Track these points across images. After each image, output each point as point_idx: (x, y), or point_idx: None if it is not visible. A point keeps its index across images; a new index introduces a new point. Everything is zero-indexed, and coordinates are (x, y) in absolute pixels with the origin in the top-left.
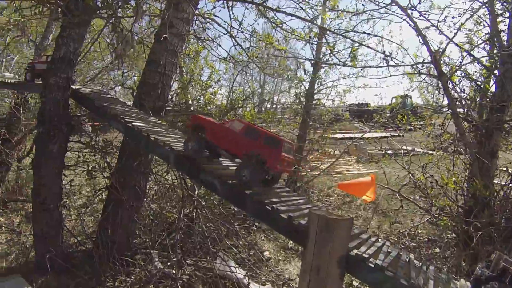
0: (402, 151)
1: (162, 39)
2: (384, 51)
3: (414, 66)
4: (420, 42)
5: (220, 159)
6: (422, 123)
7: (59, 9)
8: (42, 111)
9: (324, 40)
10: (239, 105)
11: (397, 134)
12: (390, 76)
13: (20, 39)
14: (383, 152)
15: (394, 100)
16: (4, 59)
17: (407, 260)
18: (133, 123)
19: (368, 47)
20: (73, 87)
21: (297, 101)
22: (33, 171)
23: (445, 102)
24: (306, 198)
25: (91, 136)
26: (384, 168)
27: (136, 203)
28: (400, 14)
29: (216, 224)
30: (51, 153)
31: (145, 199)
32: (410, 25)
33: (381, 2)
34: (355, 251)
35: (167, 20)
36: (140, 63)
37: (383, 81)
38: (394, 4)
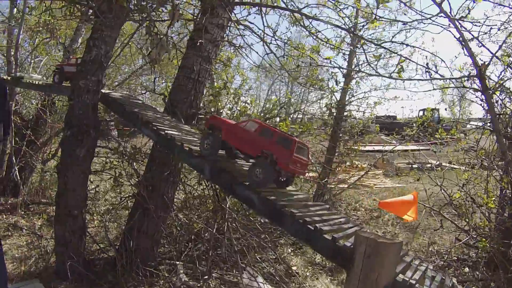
0: (429, 165)
1: (198, 44)
2: (427, 63)
3: (459, 80)
4: (465, 55)
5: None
6: (453, 137)
7: (90, 11)
8: (70, 114)
9: (361, 50)
10: (275, 115)
11: (425, 148)
12: (434, 89)
13: (49, 41)
14: (410, 166)
15: (421, 113)
16: (32, 61)
17: (451, 285)
18: (166, 131)
19: (408, 59)
20: (103, 91)
21: (328, 112)
22: (58, 175)
23: (476, 115)
24: (346, 217)
25: (119, 142)
26: (412, 182)
27: (163, 212)
28: (442, 25)
29: (244, 236)
30: (78, 158)
31: (172, 209)
32: (455, 36)
33: (424, 12)
34: (401, 276)
35: (201, 26)
36: (169, 68)
37: (414, 94)
38: (441, 15)
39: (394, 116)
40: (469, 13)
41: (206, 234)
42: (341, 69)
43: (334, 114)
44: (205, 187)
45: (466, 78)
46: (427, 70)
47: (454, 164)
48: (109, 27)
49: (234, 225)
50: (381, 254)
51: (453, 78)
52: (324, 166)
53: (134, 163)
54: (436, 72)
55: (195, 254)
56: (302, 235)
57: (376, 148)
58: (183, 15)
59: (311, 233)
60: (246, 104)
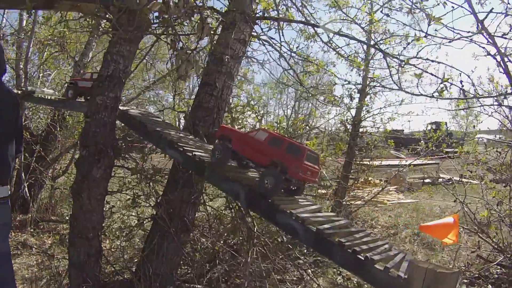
0: (440, 179)
1: (226, 60)
2: (461, 81)
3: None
4: (501, 72)
5: (251, 170)
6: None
7: (105, 22)
8: (86, 132)
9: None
10: (302, 134)
11: (434, 162)
12: (469, 108)
13: (58, 54)
14: (422, 181)
15: (429, 127)
16: (41, 75)
17: None
18: (193, 153)
19: (434, 75)
20: (121, 107)
21: (343, 129)
22: (73, 196)
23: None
24: (389, 242)
25: (137, 161)
26: (426, 198)
27: (184, 235)
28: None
29: (266, 257)
30: (94, 179)
31: (193, 231)
32: (489, 53)
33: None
34: None
35: (223, 40)
36: (181, 85)
37: (429, 109)
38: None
39: (401, 130)
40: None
41: (226, 256)
42: (356, 85)
43: (350, 130)
44: (227, 205)
45: (503, 96)
46: (461, 88)
47: (468, 178)
48: (128, 40)
49: (258, 248)
50: (440, 285)
51: (490, 96)
52: (340, 183)
53: (153, 184)
54: (461, 89)
55: (215, 277)
56: (351, 265)
57: (391, 163)
58: (211, 29)
59: (361, 264)
60: (275, 124)
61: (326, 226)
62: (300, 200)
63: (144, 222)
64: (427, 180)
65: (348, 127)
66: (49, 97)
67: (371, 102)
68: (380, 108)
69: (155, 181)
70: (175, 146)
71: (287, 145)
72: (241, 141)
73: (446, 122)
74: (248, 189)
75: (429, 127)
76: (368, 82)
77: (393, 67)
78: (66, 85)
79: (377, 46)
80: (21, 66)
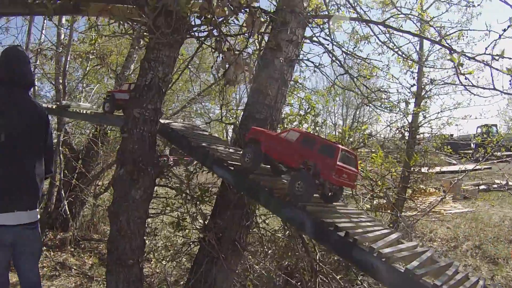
0: (496, 185)
1: (280, 63)
2: None
3: None
4: None
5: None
6: None
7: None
8: (123, 149)
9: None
10: (365, 144)
11: (486, 167)
12: None
13: (99, 68)
14: (477, 188)
15: (479, 130)
16: (83, 89)
17: None
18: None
19: None
20: (161, 121)
21: (400, 136)
22: (110, 219)
23: None
24: (451, 260)
25: (182, 180)
26: (484, 206)
27: (235, 260)
28: None
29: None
30: (134, 200)
31: (245, 257)
32: None
33: None
34: None
35: (273, 42)
36: (229, 94)
37: (487, 111)
38: None
39: (451, 134)
40: None
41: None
42: (410, 88)
43: (407, 137)
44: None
45: None
46: None
47: None
48: (167, 45)
49: (321, 278)
50: None
51: None
52: (398, 194)
53: (200, 204)
54: None
55: None
56: None
57: (444, 169)
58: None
59: None
60: (341, 134)
61: (415, 264)
62: (352, 214)
63: (191, 245)
64: (482, 187)
65: (405, 134)
66: (84, 111)
67: (427, 106)
68: (438, 113)
69: (202, 202)
70: (225, 165)
71: (320, 145)
72: (271, 143)
73: (496, 125)
74: (315, 218)
75: (479, 130)
76: (423, 85)
77: (461, 64)
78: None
79: (453, 49)
80: (60, 81)
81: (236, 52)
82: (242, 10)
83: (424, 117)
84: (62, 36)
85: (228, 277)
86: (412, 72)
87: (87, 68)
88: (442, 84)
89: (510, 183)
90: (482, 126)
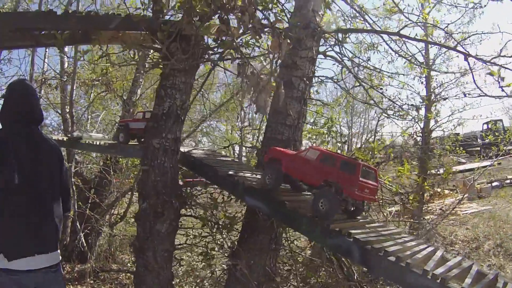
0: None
1: (300, 79)
2: None
3: None
4: None
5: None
6: None
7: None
8: (145, 182)
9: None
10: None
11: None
12: None
13: (105, 94)
14: (490, 185)
15: (485, 126)
16: (89, 116)
17: None
18: (285, 201)
19: None
20: (182, 149)
21: (413, 142)
22: (135, 255)
23: None
24: (497, 271)
25: (207, 208)
26: (496, 202)
27: (267, 286)
28: None
29: None
30: (159, 234)
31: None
32: None
33: None
34: None
35: (289, 61)
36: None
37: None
38: None
39: (457, 133)
40: None
41: None
42: (421, 95)
43: (420, 143)
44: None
45: None
46: None
47: None
48: (182, 71)
49: None
50: None
51: None
52: (417, 199)
53: (227, 232)
54: None
55: None
56: None
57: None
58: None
59: None
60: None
61: (468, 281)
62: (395, 235)
63: (219, 276)
64: (495, 184)
65: (418, 140)
66: (98, 143)
67: (438, 110)
68: (449, 116)
69: (230, 230)
70: (257, 194)
71: (340, 162)
72: (291, 162)
73: (502, 120)
74: (363, 245)
75: (485, 127)
76: (432, 90)
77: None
78: (116, 126)
79: (458, 49)
80: (67, 110)
81: (262, 77)
82: (265, 31)
83: (436, 121)
84: (66, 65)
85: None
86: (420, 77)
87: (91, 95)
88: (450, 88)
89: None
90: (489, 122)
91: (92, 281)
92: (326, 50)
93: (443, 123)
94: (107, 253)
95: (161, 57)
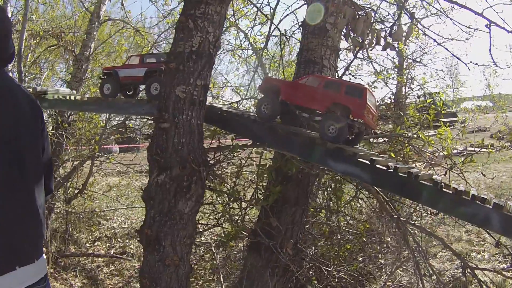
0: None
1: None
2: None
3: None
4: None
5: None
6: None
7: None
8: (164, 146)
9: None
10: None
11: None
12: None
13: (55, 48)
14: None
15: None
16: (34, 75)
17: None
18: (392, 165)
19: None
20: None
21: (386, 107)
22: (146, 248)
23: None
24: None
25: (225, 181)
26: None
27: (297, 266)
28: None
29: None
30: (182, 216)
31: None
32: None
33: None
34: None
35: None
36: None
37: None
38: None
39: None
40: None
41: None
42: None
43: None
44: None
45: None
46: None
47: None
48: None
49: None
50: None
51: None
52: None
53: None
54: None
55: None
56: None
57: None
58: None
59: None
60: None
61: None
62: None
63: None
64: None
65: (391, 106)
66: (71, 98)
67: (411, 76)
68: (420, 85)
69: (264, 202)
70: (351, 157)
71: (346, 87)
72: (291, 90)
73: (439, 92)
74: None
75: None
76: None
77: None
78: (100, 75)
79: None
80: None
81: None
82: None
83: (412, 89)
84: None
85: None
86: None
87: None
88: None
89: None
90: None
91: (52, 270)
92: None
93: (416, 91)
94: (65, 235)
95: None
